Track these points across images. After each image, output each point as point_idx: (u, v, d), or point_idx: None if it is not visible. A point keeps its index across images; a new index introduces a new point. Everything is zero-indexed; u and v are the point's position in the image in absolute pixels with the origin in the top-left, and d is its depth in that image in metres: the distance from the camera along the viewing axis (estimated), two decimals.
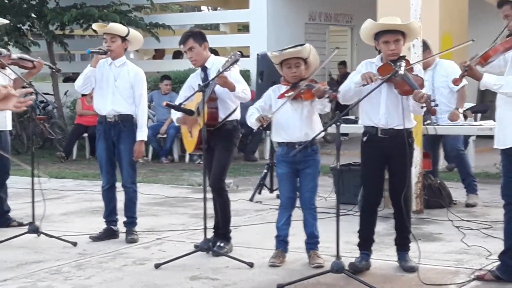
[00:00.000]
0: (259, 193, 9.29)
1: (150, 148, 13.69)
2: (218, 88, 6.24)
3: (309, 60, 6.01)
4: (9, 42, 14.91)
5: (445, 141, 8.70)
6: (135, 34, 7.13)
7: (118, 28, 7.06)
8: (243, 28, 19.63)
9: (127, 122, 6.98)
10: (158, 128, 13.50)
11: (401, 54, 5.75)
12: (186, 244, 6.77)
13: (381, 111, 5.74)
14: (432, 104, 5.48)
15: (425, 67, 8.44)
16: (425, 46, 8.29)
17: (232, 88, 6.18)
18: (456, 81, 5.44)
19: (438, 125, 8.11)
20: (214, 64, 6.41)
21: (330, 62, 16.86)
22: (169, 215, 8.40)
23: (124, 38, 6.99)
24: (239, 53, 6.10)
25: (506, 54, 5.34)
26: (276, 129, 6.10)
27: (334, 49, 6.00)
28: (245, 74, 13.55)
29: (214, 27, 21.56)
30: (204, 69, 6.48)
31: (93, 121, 7.12)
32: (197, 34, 6.51)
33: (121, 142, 6.98)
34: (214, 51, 15.92)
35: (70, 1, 15.32)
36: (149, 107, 13.94)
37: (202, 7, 22.63)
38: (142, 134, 6.99)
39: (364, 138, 5.88)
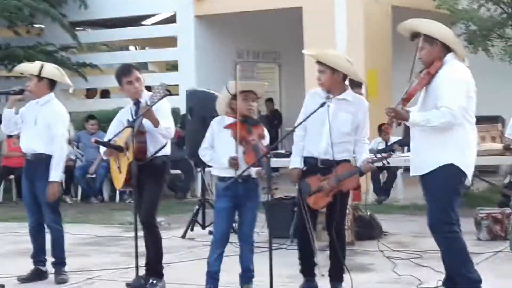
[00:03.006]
0: (192, 230, 9.23)
1: (79, 189, 13.53)
2: (147, 123, 6.19)
3: (259, 100, 6.07)
4: None
5: None
6: (48, 69, 6.86)
7: (25, 67, 6.96)
8: (172, 67, 19.63)
9: (42, 162, 6.77)
10: (87, 168, 13.34)
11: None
12: (118, 283, 6.66)
13: (322, 143, 5.83)
14: None
15: None
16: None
17: (155, 123, 6.13)
18: (386, 129, 5.53)
19: None
20: (145, 98, 6.36)
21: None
22: (100, 254, 8.27)
23: (40, 77, 6.83)
24: (165, 83, 6.06)
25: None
26: (219, 164, 6.05)
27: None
28: (174, 112, 13.52)
29: (143, 67, 21.52)
30: (137, 103, 6.41)
31: (20, 163, 6.97)
32: (136, 67, 6.50)
33: (37, 181, 6.78)
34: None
35: None
36: (77, 147, 13.84)
37: (130, 47, 22.57)
38: (54, 174, 6.74)
39: (304, 168, 5.99)
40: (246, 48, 16.16)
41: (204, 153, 6.09)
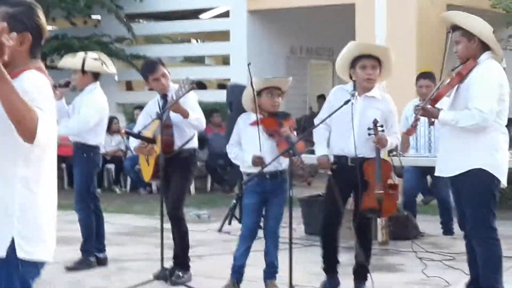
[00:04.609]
0: (229, 223, 9.23)
1: (128, 179, 13.68)
2: (174, 116, 6.22)
3: (284, 94, 6.03)
4: None
5: (437, 182, 8.55)
6: (89, 63, 7.00)
7: (68, 63, 7.09)
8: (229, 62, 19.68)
9: (78, 150, 7.03)
10: (137, 159, 13.43)
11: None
12: (146, 274, 6.71)
13: (351, 140, 5.77)
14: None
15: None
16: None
17: (185, 115, 6.16)
18: (410, 131, 5.52)
19: (403, 156, 8.07)
20: (172, 91, 6.38)
21: (311, 95, 17.07)
22: (135, 244, 8.35)
23: (84, 71, 6.97)
24: (191, 78, 6.09)
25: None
26: (243, 162, 6.06)
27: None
28: (224, 105, 13.54)
29: (200, 60, 21.61)
30: (164, 97, 6.45)
31: (69, 151, 7.23)
32: (162, 62, 6.48)
33: (73, 168, 7.06)
34: (202, 84, 16.01)
35: (51, 32, 15.38)
36: (127, 138, 13.98)
37: (192, 40, 22.67)
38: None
39: (334, 166, 5.93)
40: (299, 44, 16.08)
41: (230, 150, 6.09)
